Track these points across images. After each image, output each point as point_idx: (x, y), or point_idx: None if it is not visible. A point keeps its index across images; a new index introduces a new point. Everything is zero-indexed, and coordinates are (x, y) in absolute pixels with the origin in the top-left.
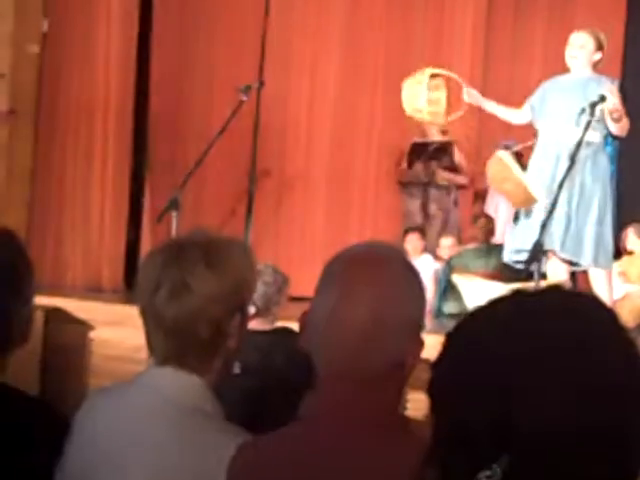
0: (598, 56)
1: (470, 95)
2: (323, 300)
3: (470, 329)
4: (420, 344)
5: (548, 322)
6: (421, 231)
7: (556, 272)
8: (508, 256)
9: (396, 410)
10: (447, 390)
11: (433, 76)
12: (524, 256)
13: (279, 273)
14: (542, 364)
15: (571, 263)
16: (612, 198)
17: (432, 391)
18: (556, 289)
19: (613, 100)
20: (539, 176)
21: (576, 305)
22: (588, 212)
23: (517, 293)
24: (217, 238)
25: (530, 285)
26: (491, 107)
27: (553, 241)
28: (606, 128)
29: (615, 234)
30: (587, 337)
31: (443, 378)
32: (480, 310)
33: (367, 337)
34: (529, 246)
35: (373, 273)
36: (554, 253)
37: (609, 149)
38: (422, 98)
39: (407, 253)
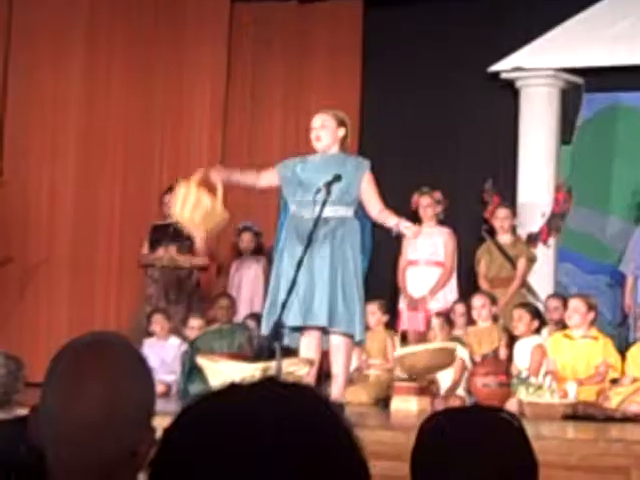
0: (342, 132)
1: (218, 172)
2: (52, 393)
3: (185, 425)
4: (152, 432)
5: (260, 416)
6: (165, 312)
7: (308, 350)
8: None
9: None
10: None
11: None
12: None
13: (11, 359)
14: (253, 460)
15: (324, 331)
16: (362, 270)
17: None
18: (270, 381)
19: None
20: (290, 253)
21: (289, 396)
22: (347, 284)
23: (232, 386)
24: None
25: (272, 364)
26: (237, 177)
27: (320, 317)
28: (354, 202)
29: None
30: (298, 428)
31: (162, 475)
32: (195, 405)
33: (98, 430)
34: (291, 322)
35: (100, 364)
36: (310, 330)
37: (360, 223)
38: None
39: (154, 334)
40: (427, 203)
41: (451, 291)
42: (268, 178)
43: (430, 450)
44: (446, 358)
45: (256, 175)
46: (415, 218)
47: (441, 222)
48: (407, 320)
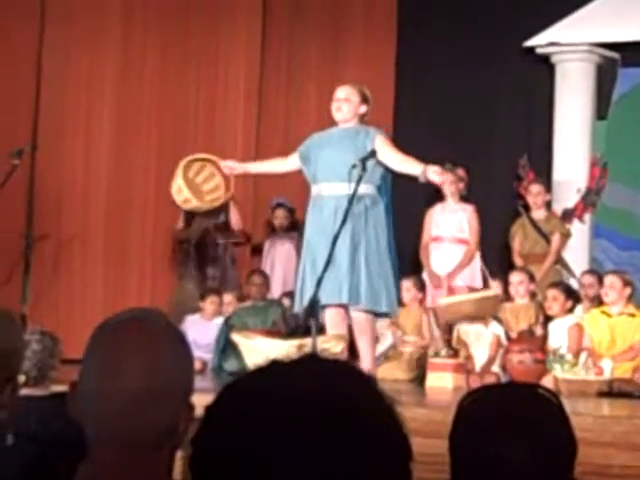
0: (364, 109)
1: (229, 168)
2: (92, 369)
3: (228, 403)
4: (191, 409)
5: (303, 393)
6: (218, 293)
7: (332, 326)
8: (299, 309)
9: (168, 475)
10: (207, 465)
11: (190, 163)
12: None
13: (47, 336)
14: (298, 437)
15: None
16: (389, 246)
17: (191, 466)
18: (312, 358)
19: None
20: (321, 231)
21: (332, 373)
22: (370, 262)
23: (274, 363)
24: None
25: (308, 340)
26: (255, 168)
27: (342, 295)
28: (380, 180)
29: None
30: (341, 405)
31: (203, 453)
32: (238, 382)
33: (138, 406)
34: (323, 300)
35: (140, 341)
36: (332, 306)
37: (384, 200)
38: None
39: (203, 313)
40: (450, 180)
41: (476, 268)
42: (291, 163)
43: (471, 427)
44: (489, 306)
45: (282, 161)
46: (438, 195)
47: (464, 199)
48: (431, 297)
